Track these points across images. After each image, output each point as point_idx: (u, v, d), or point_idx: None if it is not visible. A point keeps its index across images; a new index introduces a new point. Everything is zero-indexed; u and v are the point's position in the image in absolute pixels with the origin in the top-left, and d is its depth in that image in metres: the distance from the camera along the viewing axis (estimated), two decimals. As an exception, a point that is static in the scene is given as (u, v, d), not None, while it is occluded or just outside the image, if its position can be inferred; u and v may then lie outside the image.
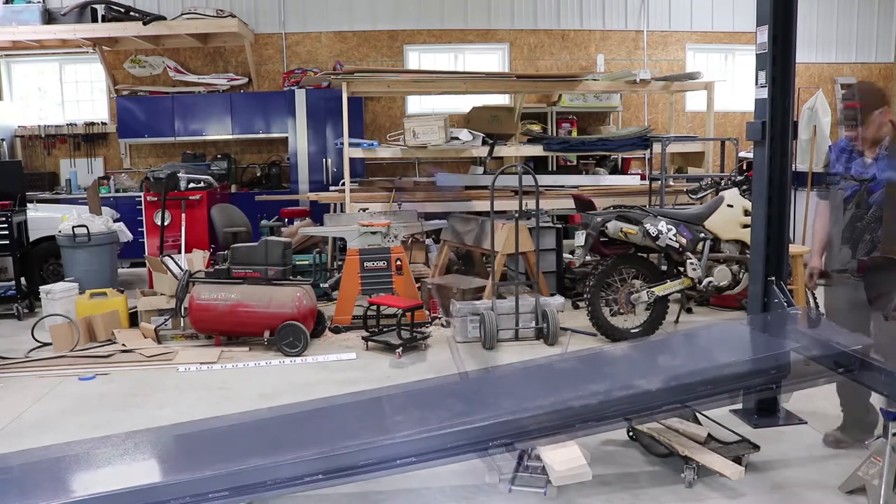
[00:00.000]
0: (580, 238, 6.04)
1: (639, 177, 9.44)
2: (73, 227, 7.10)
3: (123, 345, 5.88)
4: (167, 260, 6.72)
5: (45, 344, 6.03)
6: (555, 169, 10.10)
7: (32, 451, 3.35)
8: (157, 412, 4.60)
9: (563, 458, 2.98)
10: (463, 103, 9.78)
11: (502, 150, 8.76)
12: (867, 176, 3.66)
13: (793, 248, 5.41)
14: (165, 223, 7.50)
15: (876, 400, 3.64)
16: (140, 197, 8.46)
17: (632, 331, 5.93)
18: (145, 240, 7.79)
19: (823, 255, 4.00)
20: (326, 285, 7.36)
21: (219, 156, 10.11)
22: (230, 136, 10.05)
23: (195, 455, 3.23)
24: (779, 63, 3.94)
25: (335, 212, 8.43)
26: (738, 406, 4.33)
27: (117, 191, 9.87)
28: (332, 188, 9.43)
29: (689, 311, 6.81)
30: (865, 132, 3.64)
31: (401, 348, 5.68)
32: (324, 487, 3.05)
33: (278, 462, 2.95)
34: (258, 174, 10.35)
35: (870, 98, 3.63)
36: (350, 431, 3.21)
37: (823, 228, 4.00)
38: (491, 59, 10.94)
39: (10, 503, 2.75)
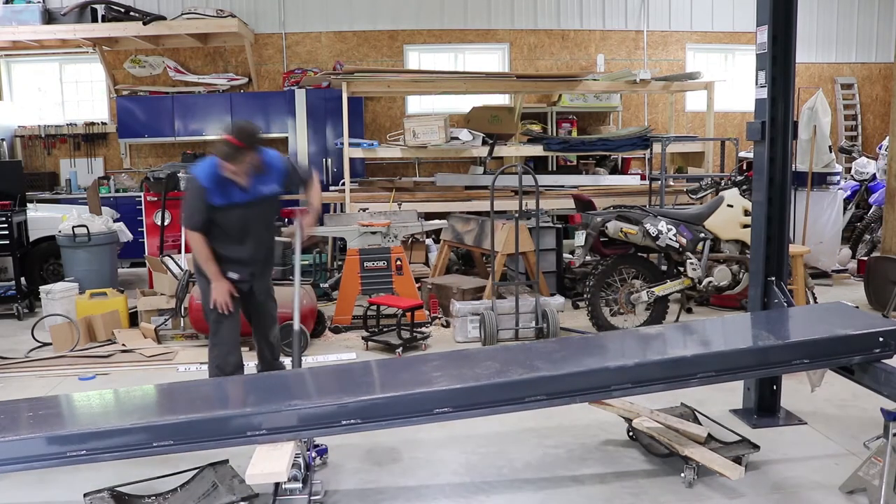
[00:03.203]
0: (580, 238, 6.04)
1: (639, 177, 9.45)
2: (73, 227, 7.10)
3: (123, 345, 5.88)
4: (167, 260, 6.72)
5: (45, 344, 6.02)
6: (555, 169, 10.10)
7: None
8: (157, 412, 4.59)
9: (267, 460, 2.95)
10: (463, 103, 9.78)
11: (502, 150, 8.77)
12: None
13: (793, 248, 5.41)
14: (165, 223, 7.49)
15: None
16: (140, 197, 8.45)
17: (632, 331, 5.92)
18: (145, 240, 7.79)
19: None
20: (326, 285, 7.36)
21: (219, 156, 10.09)
22: (230, 136, 10.02)
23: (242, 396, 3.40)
24: (779, 63, 3.94)
25: (335, 212, 8.44)
26: (739, 406, 4.35)
27: (117, 191, 9.87)
28: (332, 188, 9.42)
29: (689, 310, 6.81)
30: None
31: (401, 348, 5.68)
32: (361, 431, 3.13)
33: (315, 405, 3.03)
34: (258, 174, 10.33)
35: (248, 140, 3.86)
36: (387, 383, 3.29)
37: None
38: (491, 59, 10.94)
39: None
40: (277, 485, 3.19)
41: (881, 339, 3.24)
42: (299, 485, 3.17)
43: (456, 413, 3.06)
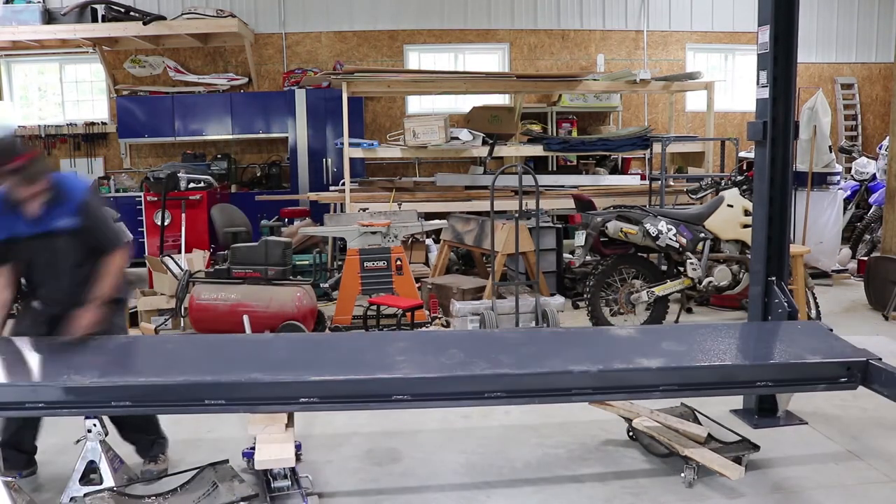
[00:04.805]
0: (580, 238, 6.04)
1: (639, 177, 9.44)
2: (73, 226, 7.08)
3: (123, 345, 5.87)
4: (167, 260, 6.72)
5: (45, 344, 6.01)
6: (555, 169, 10.10)
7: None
8: (156, 412, 4.58)
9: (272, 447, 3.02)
10: (463, 103, 9.78)
11: (502, 150, 8.77)
12: None
13: (793, 248, 5.40)
14: (165, 223, 7.50)
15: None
16: (140, 197, 8.47)
17: (632, 331, 5.91)
18: (145, 240, 7.80)
19: None
20: (326, 285, 7.35)
21: (219, 156, 10.11)
22: (230, 136, 10.05)
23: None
24: (780, 63, 3.94)
25: (335, 212, 8.43)
26: (739, 406, 4.34)
27: (117, 191, 9.87)
28: (332, 188, 9.43)
29: (689, 311, 6.81)
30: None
31: (401, 348, 5.66)
32: (319, 411, 3.19)
33: (274, 380, 2.98)
34: (258, 174, 10.35)
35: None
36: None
37: None
38: (491, 59, 10.94)
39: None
40: (269, 484, 3.20)
41: (848, 369, 3.21)
42: (287, 482, 3.19)
43: (414, 402, 3.05)
